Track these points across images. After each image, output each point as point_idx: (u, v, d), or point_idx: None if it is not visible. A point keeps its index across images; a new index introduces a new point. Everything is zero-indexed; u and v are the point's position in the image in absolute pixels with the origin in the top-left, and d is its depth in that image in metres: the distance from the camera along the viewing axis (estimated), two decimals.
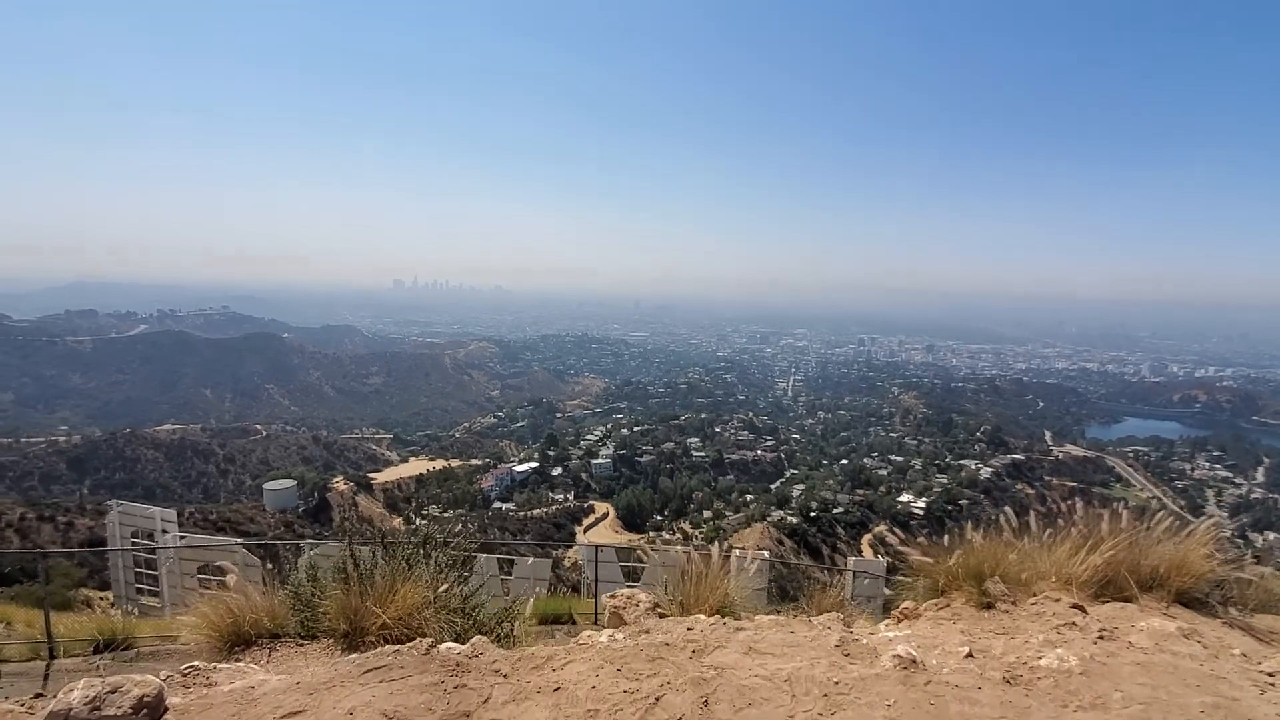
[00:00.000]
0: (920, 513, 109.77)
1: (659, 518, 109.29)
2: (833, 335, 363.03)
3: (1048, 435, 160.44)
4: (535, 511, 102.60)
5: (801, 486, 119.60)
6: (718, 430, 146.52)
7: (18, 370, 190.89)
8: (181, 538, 16.16)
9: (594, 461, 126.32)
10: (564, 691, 2.41)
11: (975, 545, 4.14)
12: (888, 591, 12.81)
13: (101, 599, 25.43)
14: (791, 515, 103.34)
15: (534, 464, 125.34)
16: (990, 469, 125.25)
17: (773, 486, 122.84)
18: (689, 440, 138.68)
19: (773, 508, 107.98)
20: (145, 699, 2.21)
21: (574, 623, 10.93)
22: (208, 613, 4.90)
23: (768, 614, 5.24)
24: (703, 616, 3.45)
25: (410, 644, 2.73)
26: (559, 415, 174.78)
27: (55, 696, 2.37)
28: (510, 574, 14.03)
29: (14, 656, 8.43)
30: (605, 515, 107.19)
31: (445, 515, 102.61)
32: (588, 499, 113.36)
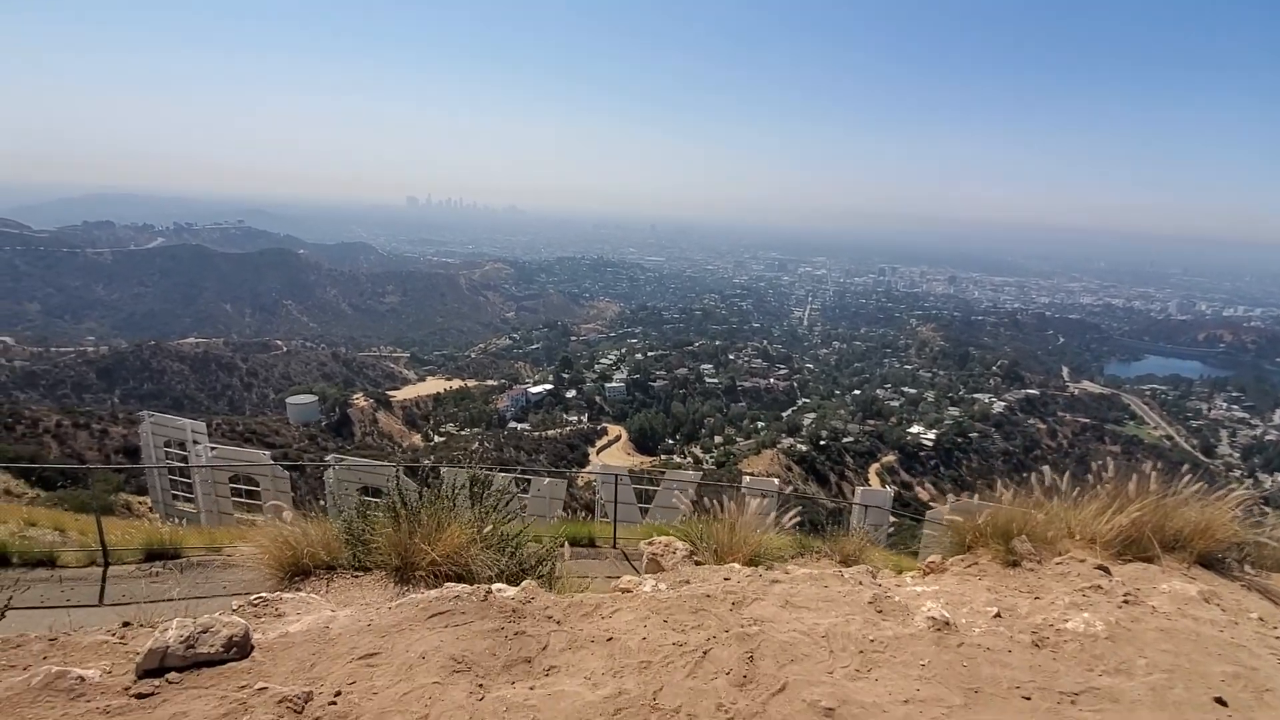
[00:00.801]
0: (930, 444, 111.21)
1: (670, 442, 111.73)
2: (853, 264, 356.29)
3: (1065, 371, 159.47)
4: (549, 432, 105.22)
5: (813, 415, 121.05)
6: (731, 357, 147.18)
7: (41, 280, 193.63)
8: (212, 449, 16.90)
9: (607, 385, 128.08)
10: (616, 641, 2.57)
11: (1004, 502, 4.23)
12: (892, 518, 13.21)
13: (140, 503, 26.85)
14: (801, 443, 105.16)
15: (548, 386, 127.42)
16: (1003, 403, 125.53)
17: (784, 415, 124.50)
18: (702, 366, 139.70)
19: (783, 435, 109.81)
20: (234, 638, 2.38)
21: (594, 545, 11.15)
22: (268, 545, 5.13)
23: (795, 560, 5.45)
24: (737, 566, 3.61)
25: (470, 589, 2.90)
26: (574, 338, 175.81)
27: (152, 634, 2.57)
28: (527, 493, 14.33)
29: (72, 563, 8.79)
30: (618, 438, 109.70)
31: (462, 433, 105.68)
32: (601, 421, 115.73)
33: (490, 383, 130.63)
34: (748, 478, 14.18)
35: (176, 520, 17.91)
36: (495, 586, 3.21)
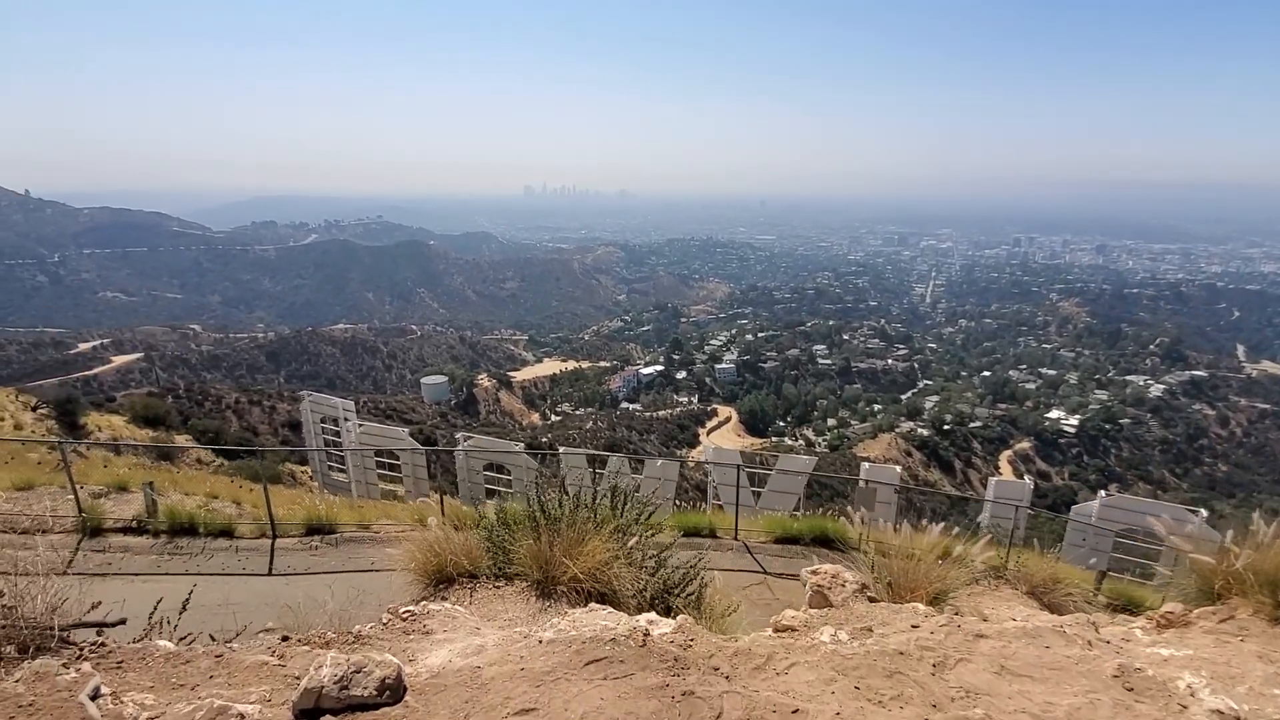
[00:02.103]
0: (1071, 431, 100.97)
1: (781, 424, 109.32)
2: (983, 235, 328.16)
3: (1240, 350, 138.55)
4: (660, 413, 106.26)
5: (935, 398, 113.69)
6: (846, 337, 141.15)
7: (220, 275, 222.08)
8: (359, 425, 18.78)
9: (718, 366, 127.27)
10: (805, 716, 2.16)
11: (1267, 541, 3.32)
12: (1029, 511, 12.33)
13: (303, 473, 29.89)
14: (923, 427, 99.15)
15: (659, 367, 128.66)
16: (1162, 386, 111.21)
17: (903, 397, 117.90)
18: (815, 347, 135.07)
19: (902, 419, 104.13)
20: (387, 680, 2.25)
21: (715, 536, 10.75)
22: (414, 553, 5.16)
23: (969, 588, 4.74)
24: (921, 607, 3.06)
25: (626, 629, 2.60)
26: (684, 320, 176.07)
27: (310, 657, 2.48)
28: (640, 473, 14.26)
29: (246, 534, 9.66)
30: (728, 419, 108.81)
31: (577, 413, 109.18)
32: (711, 402, 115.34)
33: (603, 364, 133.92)
34: (866, 464, 13.49)
35: (332, 491, 19.90)
36: (647, 620, 2.91)
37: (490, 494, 16.14)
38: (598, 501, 5.14)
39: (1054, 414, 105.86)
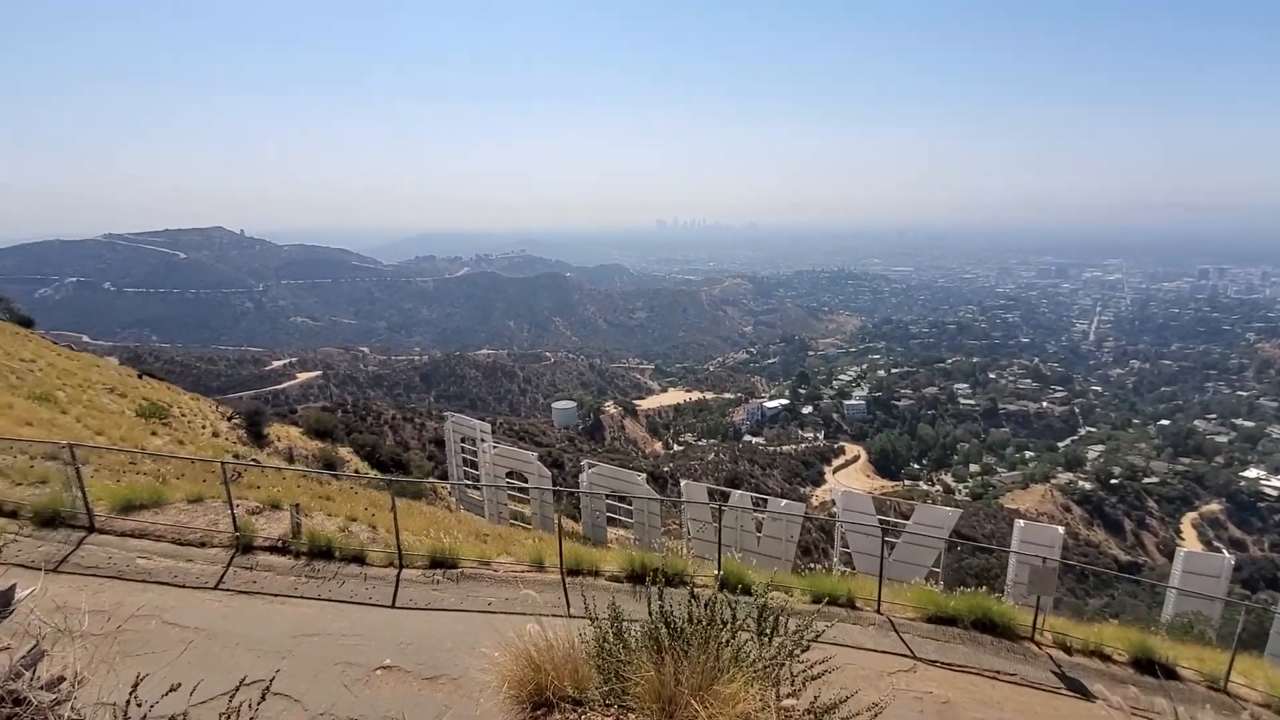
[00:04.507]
0: (1274, 494, 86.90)
1: (916, 466, 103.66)
2: (1159, 266, 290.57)
3: None
4: (784, 448, 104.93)
5: (1100, 447, 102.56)
6: (992, 376, 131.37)
7: (387, 304, 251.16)
8: (495, 447, 20.89)
9: (846, 402, 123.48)
10: None
11: None
12: (1243, 602, 9.77)
13: (443, 488, 33.17)
14: (1084, 479, 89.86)
15: (784, 401, 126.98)
16: None
17: (1060, 445, 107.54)
18: (956, 386, 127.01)
19: (1059, 469, 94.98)
20: None
21: (853, 606, 9.40)
22: (508, 665, 4.67)
23: None
24: None
25: None
26: (811, 353, 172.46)
27: None
28: (761, 507, 13.89)
29: (376, 561, 9.81)
30: (856, 458, 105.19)
31: (699, 443, 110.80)
32: (838, 439, 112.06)
33: (727, 396, 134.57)
34: (1020, 523, 11.63)
35: (467, 509, 22.30)
36: None
37: (611, 522, 17.12)
38: (738, 621, 4.50)
39: (1251, 472, 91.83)
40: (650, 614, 4.49)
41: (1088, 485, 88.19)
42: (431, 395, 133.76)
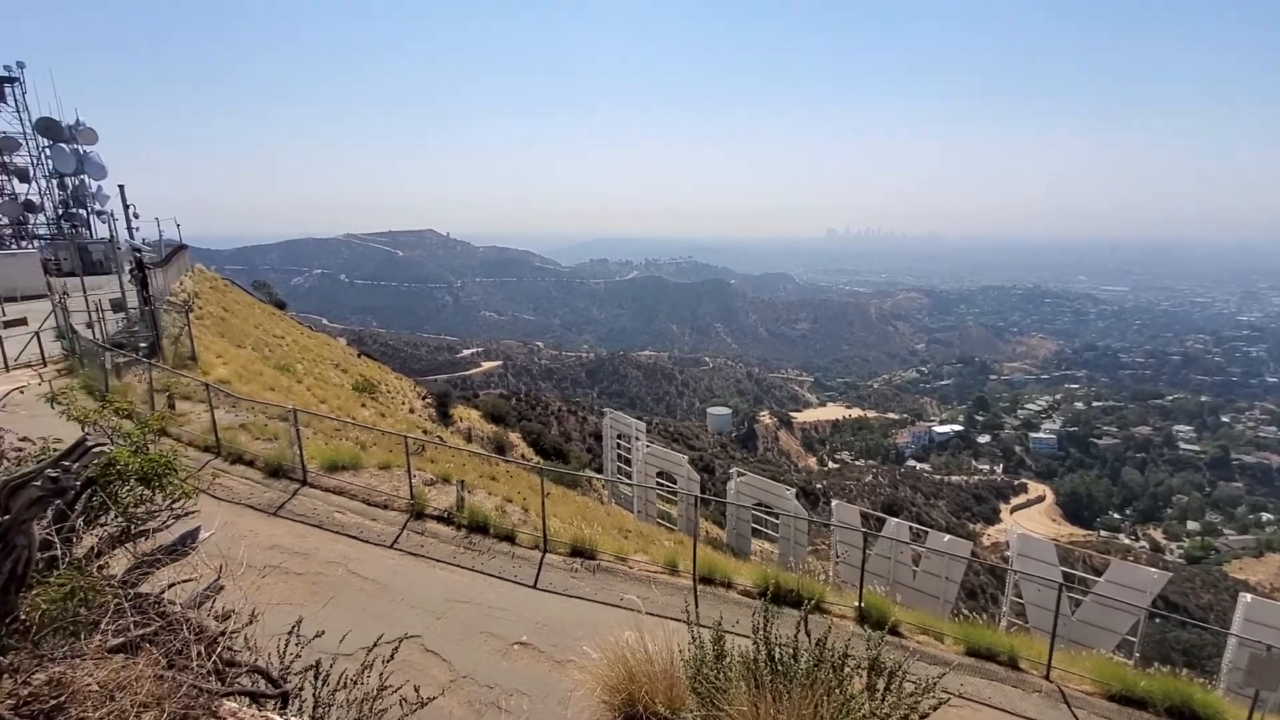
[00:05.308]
0: None
1: (1116, 516, 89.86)
2: None
3: None
4: (953, 478, 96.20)
5: None
6: (1225, 420, 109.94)
7: (562, 303, 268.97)
8: (648, 446, 21.48)
9: (1033, 435, 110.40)
10: None
11: None
12: None
13: (596, 479, 34.95)
14: None
15: (957, 426, 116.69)
16: None
17: None
18: (1175, 427, 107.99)
19: None
20: None
21: (1016, 668, 8.19)
22: (604, 670, 4.58)
23: None
24: None
25: None
26: (993, 377, 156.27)
27: None
28: (920, 540, 12.70)
29: (523, 543, 10.49)
30: (1040, 498, 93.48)
31: (856, 463, 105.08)
32: (1020, 476, 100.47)
33: (891, 416, 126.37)
34: (1247, 598, 9.43)
35: (618, 502, 23.18)
36: None
37: (756, 533, 16.73)
38: (849, 669, 3.99)
39: None
40: (755, 641, 4.10)
41: None
42: (594, 391, 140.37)
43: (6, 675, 2.89)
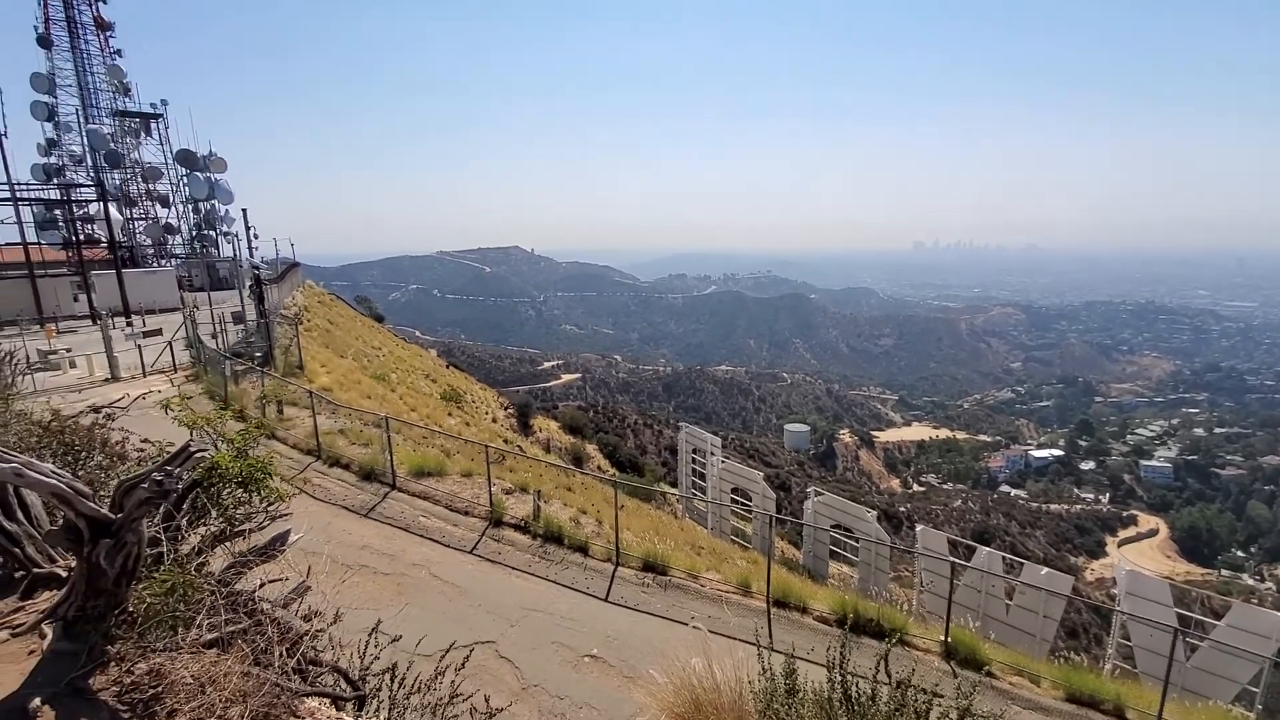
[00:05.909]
0: None
1: (1239, 554, 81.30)
2: None
3: None
4: (1052, 506, 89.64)
5: None
6: None
7: (640, 317, 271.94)
8: (723, 461, 20.98)
9: (1145, 463, 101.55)
10: None
11: None
12: None
13: (672, 494, 35.01)
14: None
15: (1057, 451, 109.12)
16: None
17: None
18: None
19: None
20: None
21: (1123, 718, 7.72)
22: (669, 696, 4.43)
23: None
24: None
25: None
26: (1098, 399, 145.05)
27: None
28: (1015, 572, 11.71)
29: (596, 555, 10.56)
30: (1153, 532, 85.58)
31: (944, 486, 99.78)
32: (1129, 506, 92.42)
33: (982, 438, 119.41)
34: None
35: (692, 517, 22.97)
36: None
37: (834, 556, 16.15)
38: (935, 716, 3.66)
39: None
40: (830, 677, 3.83)
41: None
42: (671, 405, 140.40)
43: (113, 663, 3.23)
